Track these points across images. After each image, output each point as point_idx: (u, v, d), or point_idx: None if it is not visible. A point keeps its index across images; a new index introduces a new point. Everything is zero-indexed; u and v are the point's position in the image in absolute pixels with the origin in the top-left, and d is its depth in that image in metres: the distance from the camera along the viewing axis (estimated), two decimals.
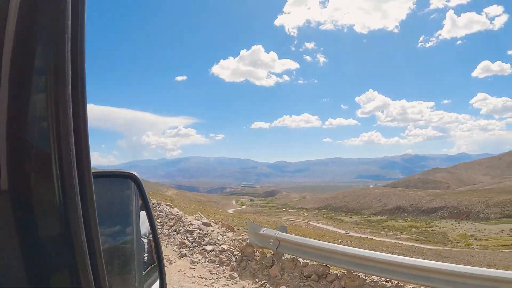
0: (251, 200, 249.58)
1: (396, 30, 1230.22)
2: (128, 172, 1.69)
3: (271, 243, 6.98)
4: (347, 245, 6.89)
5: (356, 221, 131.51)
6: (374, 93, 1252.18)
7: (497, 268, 9.61)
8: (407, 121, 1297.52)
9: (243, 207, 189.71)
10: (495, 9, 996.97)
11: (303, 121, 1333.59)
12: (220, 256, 7.58)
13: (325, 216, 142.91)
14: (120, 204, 1.69)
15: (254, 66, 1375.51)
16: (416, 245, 64.05)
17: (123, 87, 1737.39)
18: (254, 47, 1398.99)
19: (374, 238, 71.00)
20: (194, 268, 7.23)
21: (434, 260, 9.63)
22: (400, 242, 69.12)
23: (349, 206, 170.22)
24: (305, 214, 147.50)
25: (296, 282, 6.33)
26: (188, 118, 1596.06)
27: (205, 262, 7.55)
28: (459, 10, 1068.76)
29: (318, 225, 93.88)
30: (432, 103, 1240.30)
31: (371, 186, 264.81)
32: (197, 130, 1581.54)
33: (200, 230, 8.93)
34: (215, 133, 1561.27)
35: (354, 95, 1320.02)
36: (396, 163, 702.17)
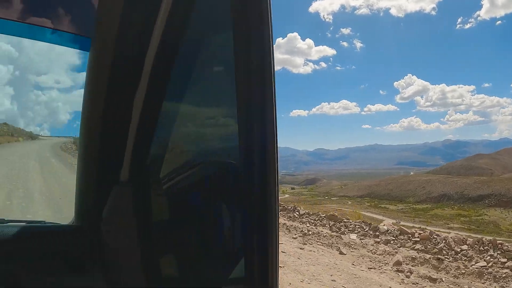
0: (293, 188, 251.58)
1: (433, 12, 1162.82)
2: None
3: None
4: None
5: (401, 209, 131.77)
6: (413, 77, 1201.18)
7: None
8: (447, 106, 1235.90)
9: (286, 195, 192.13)
10: None
11: (342, 108, 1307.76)
12: None
13: (369, 204, 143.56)
14: None
15: (290, 54, 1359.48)
16: (472, 235, 65.87)
17: None
18: (289, 35, 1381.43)
19: (427, 227, 73.75)
20: None
21: None
22: (455, 232, 71.30)
23: (392, 193, 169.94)
24: (349, 202, 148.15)
25: None
26: None
27: None
28: None
29: (366, 214, 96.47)
30: (472, 87, 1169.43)
31: (412, 173, 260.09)
32: None
33: None
34: None
35: (393, 80, 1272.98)
36: (437, 149, 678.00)
